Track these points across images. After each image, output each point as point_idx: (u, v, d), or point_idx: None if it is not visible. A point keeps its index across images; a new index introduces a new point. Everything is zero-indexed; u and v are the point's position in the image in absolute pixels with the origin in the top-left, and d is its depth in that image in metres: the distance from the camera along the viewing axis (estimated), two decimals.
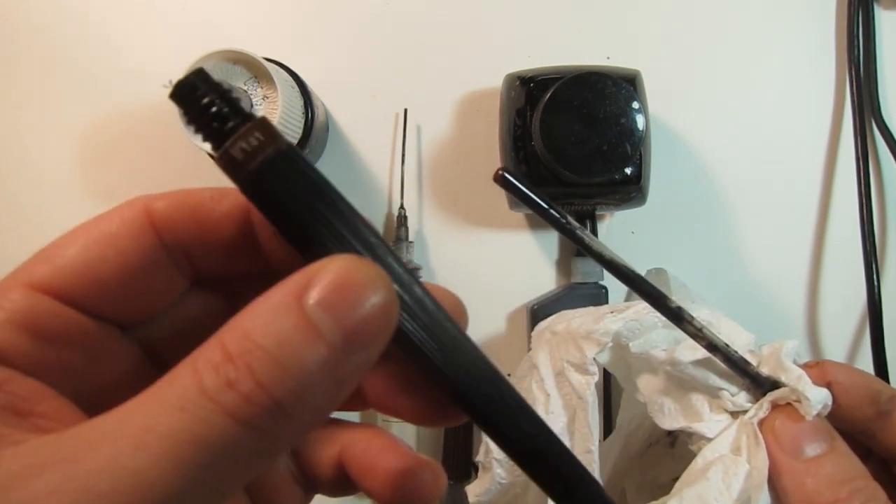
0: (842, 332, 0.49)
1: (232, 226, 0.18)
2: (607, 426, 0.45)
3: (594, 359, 0.32)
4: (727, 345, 0.27)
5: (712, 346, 0.27)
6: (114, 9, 0.48)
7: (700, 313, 0.28)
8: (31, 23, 0.48)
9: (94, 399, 0.15)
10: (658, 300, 0.26)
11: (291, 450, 0.20)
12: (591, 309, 0.36)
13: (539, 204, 0.23)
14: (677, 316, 0.26)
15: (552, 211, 0.23)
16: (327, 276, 0.14)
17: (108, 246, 0.17)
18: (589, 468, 0.31)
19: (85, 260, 0.17)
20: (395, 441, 0.20)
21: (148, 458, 0.13)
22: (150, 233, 0.18)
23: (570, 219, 0.24)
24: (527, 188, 0.23)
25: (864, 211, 0.47)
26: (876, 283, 0.45)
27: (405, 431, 0.45)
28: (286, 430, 0.14)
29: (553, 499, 0.17)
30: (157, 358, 0.19)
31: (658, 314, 0.31)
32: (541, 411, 0.33)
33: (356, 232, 0.16)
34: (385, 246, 0.16)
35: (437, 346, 0.16)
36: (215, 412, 0.13)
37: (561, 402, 0.33)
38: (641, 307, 0.32)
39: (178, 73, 0.43)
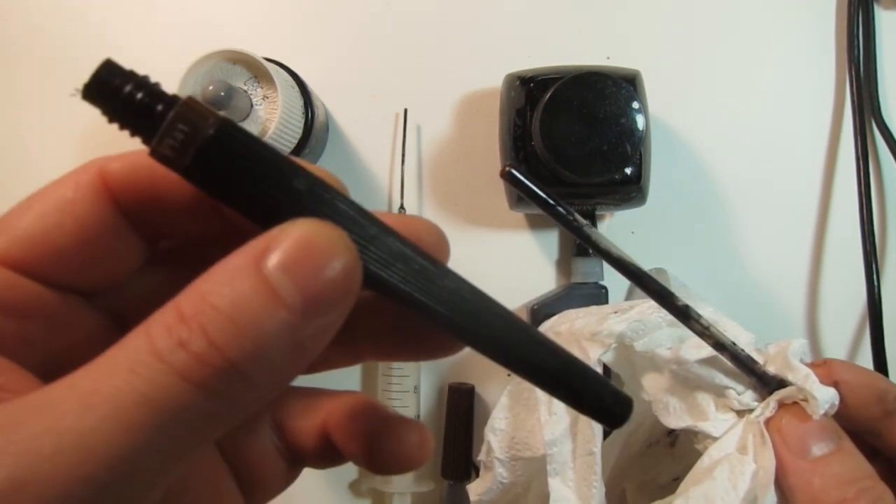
0: (842, 332, 0.49)
1: (190, 186, 0.18)
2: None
3: (598, 359, 0.32)
4: (734, 343, 0.27)
5: (719, 344, 0.27)
6: (114, 9, 0.48)
7: (703, 312, 0.28)
8: (31, 23, 0.48)
9: (59, 371, 0.14)
10: (665, 298, 0.26)
11: (275, 423, 0.20)
12: (594, 309, 0.36)
13: (546, 201, 0.23)
14: (684, 314, 0.26)
15: (559, 208, 0.23)
16: (288, 239, 0.14)
17: (65, 213, 0.17)
18: (591, 470, 0.31)
19: (41, 228, 0.16)
20: (376, 404, 0.19)
21: (94, 420, 0.13)
22: (106, 197, 0.17)
23: (577, 216, 0.24)
24: (534, 185, 0.23)
25: (864, 211, 0.47)
26: (876, 283, 0.45)
27: None
28: (243, 394, 0.14)
29: (566, 403, 0.18)
30: (126, 328, 0.19)
31: (662, 313, 0.31)
32: (543, 412, 0.33)
33: (314, 193, 0.15)
34: (345, 200, 0.16)
35: (417, 284, 0.16)
36: (166, 373, 0.13)
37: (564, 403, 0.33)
38: (645, 307, 0.32)
39: (178, 72, 0.43)
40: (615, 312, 0.33)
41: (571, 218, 0.23)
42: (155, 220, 0.18)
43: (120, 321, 0.19)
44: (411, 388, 0.46)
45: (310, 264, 0.14)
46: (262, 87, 0.41)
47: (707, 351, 0.28)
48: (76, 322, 0.18)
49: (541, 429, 0.32)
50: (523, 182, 0.22)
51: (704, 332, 0.27)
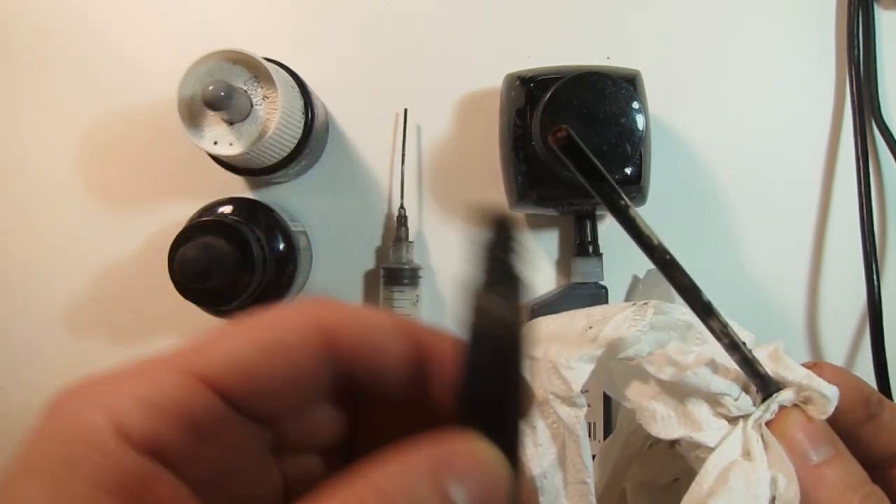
0: (842, 332, 0.49)
1: (403, 366, 0.18)
2: (607, 426, 0.45)
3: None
4: (744, 343, 0.26)
5: (733, 344, 0.26)
6: (114, 9, 0.48)
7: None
8: (31, 23, 0.48)
9: (215, 488, 0.15)
10: (693, 292, 0.25)
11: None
12: (564, 321, 0.33)
13: (602, 174, 0.21)
14: (708, 311, 0.25)
15: (609, 185, 0.22)
16: (467, 454, 0.15)
17: (278, 354, 0.16)
18: (584, 499, 0.31)
19: (251, 359, 0.16)
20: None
21: None
22: (321, 350, 0.17)
23: (625, 196, 0.22)
24: (590, 155, 0.21)
25: (864, 211, 0.47)
26: (876, 283, 0.45)
27: None
28: None
29: None
30: (280, 453, 0.19)
31: (640, 326, 0.29)
32: (529, 445, 0.32)
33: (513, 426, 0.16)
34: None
35: None
36: None
37: (548, 432, 0.31)
38: (621, 318, 0.30)
39: (178, 72, 0.42)
40: (590, 328, 0.31)
41: (623, 202, 0.22)
42: (355, 379, 0.18)
43: (276, 445, 0.19)
44: None
45: (484, 482, 0.15)
46: (262, 87, 0.41)
47: (693, 357, 0.28)
48: (241, 442, 0.17)
49: (528, 461, 0.31)
50: (582, 149, 0.20)
51: (723, 331, 0.26)
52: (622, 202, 0.22)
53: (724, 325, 0.26)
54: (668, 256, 0.24)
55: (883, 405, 0.27)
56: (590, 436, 0.45)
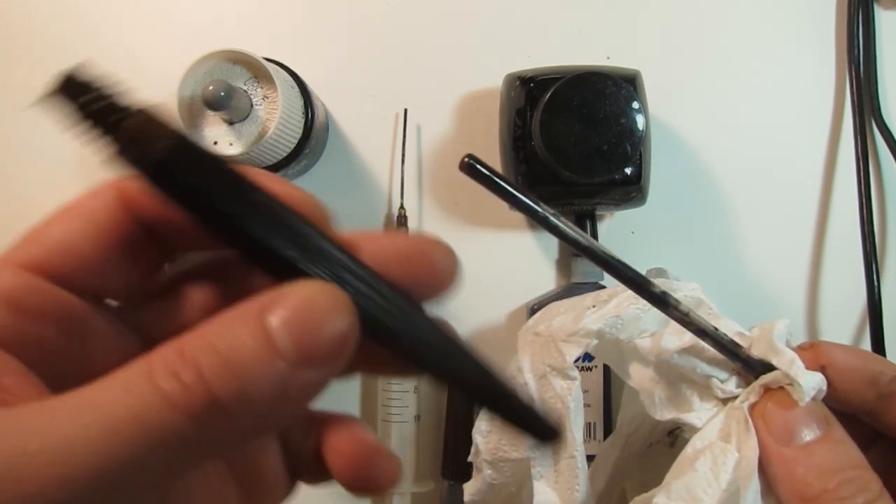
0: (842, 332, 0.48)
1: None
2: (607, 426, 0.45)
3: (577, 360, 0.31)
4: (716, 328, 0.26)
5: (701, 330, 0.26)
6: (114, 9, 0.48)
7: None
8: (31, 23, 0.48)
9: (78, 383, 0.15)
10: (641, 286, 0.25)
11: (281, 436, 0.21)
12: (575, 301, 0.34)
13: (509, 191, 0.22)
14: (662, 301, 0.25)
15: (523, 198, 0.22)
16: (293, 297, 0.15)
17: (86, 220, 0.18)
18: (573, 474, 0.31)
19: (64, 235, 0.18)
20: (361, 430, 0.21)
21: (79, 426, 0.14)
22: (123, 207, 0.18)
23: (543, 204, 0.22)
24: (496, 175, 0.21)
25: (864, 211, 0.47)
26: (876, 282, 0.45)
27: (404, 431, 0.45)
28: (225, 429, 0.15)
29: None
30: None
31: (641, 303, 0.30)
32: None
33: (270, 210, 0.16)
34: (321, 236, 0.16)
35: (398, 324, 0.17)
36: (155, 394, 0.14)
37: (546, 407, 0.32)
38: (623, 298, 0.31)
39: (178, 73, 0.43)
40: (593, 306, 0.32)
41: (538, 207, 0.22)
42: (170, 231, 0.19)
43: (150, 343, 0.20)
44: (411, 388, 0.46)
45: (310, 322, 0.15)
46: (262, 87, 0.41)
47: (688, 338, 0.27)
48: (100, 335, 0.18)
49: None
50: (484, 173, 0.21)
51: (684, 318, 0.25)
52: (541, 213, 0.22)
53: (686, 313, 0.25)
54: (603, 254, 0.24)
55: None
56: (590, 436, 0.45)
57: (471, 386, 0.18)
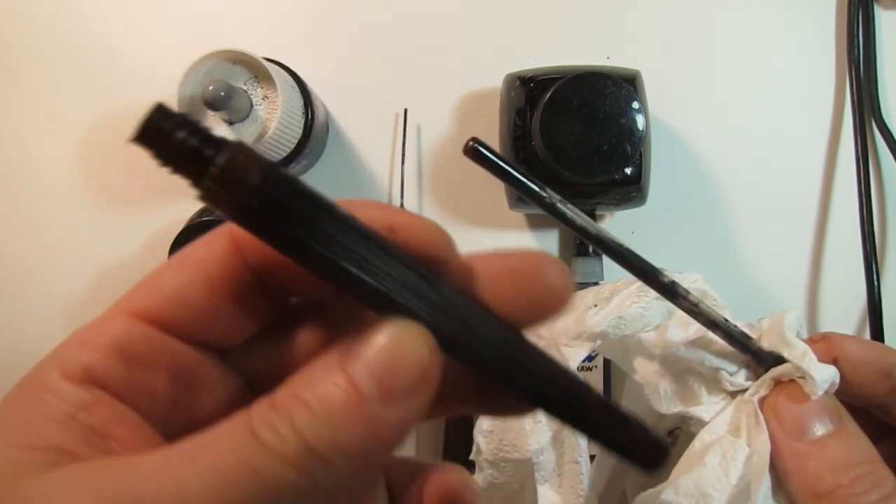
0: (842, 332, 0.48)
1: None
2: None
3: (582, 362, 0.30)
4: (726, 319, 0.25)
5: (710, 321, 0.25)
6: (114, 9, 0.48)
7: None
8: (31, 23, 0.48)
9: (184, 429, 0.16)
10: (650, 275, 0.25)
11: (388, 483, 0.21)
12: (576, 299, 0.34)
13: (515, 176, 0.21)
14: (672, 291, 0.25)
15: (530, 183, 0.22)
16: (372, 340, 0.16)
17: (197, 270, 0.18)
18: (577, 478, 0.31)
19: (176, 286, 0.18)
20: (466, 482, 0.21)
21: (195, 474, 0.14)
22: (236, 255, 0.18)
23: (550, 191, 0.22)
24: (501, 160, 0.21)
25: (864, 211, 0.47)
26: (876, 283, 0.45)
27: None
28: (327, 474, 0.15)
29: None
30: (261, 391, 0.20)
31: (643, 302, 0.29)
32: (527, 420, 0.32)
33: (370, 242, 0.16)
34: (415, 272, 0.16)
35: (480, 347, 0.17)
36: (258, 446, 0.15)
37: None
38: (625, 295, 0.30)
39: (178, 73, 0.43)
40: (595, 305, 0.31)
41: (545, 194, 0.22)
42: (282, 279, 0.19)
43: (255, 385, 0.20)
44: None
45: (390, 363, 0.15)
46: (262, 87, 0.41)
47: (693, 331, 0.27)
48: (208, 381, 0.19)
49: (526, 436, 0.31)
50: (489, 157, 0.21)
51: (694, 309, 0.25)
52: (547, 199, 0.22)
53: (695, 304, 0.25)
54: (612, 242, 0.24)
55: None
56: None
57: (588, 417, 0.18)
